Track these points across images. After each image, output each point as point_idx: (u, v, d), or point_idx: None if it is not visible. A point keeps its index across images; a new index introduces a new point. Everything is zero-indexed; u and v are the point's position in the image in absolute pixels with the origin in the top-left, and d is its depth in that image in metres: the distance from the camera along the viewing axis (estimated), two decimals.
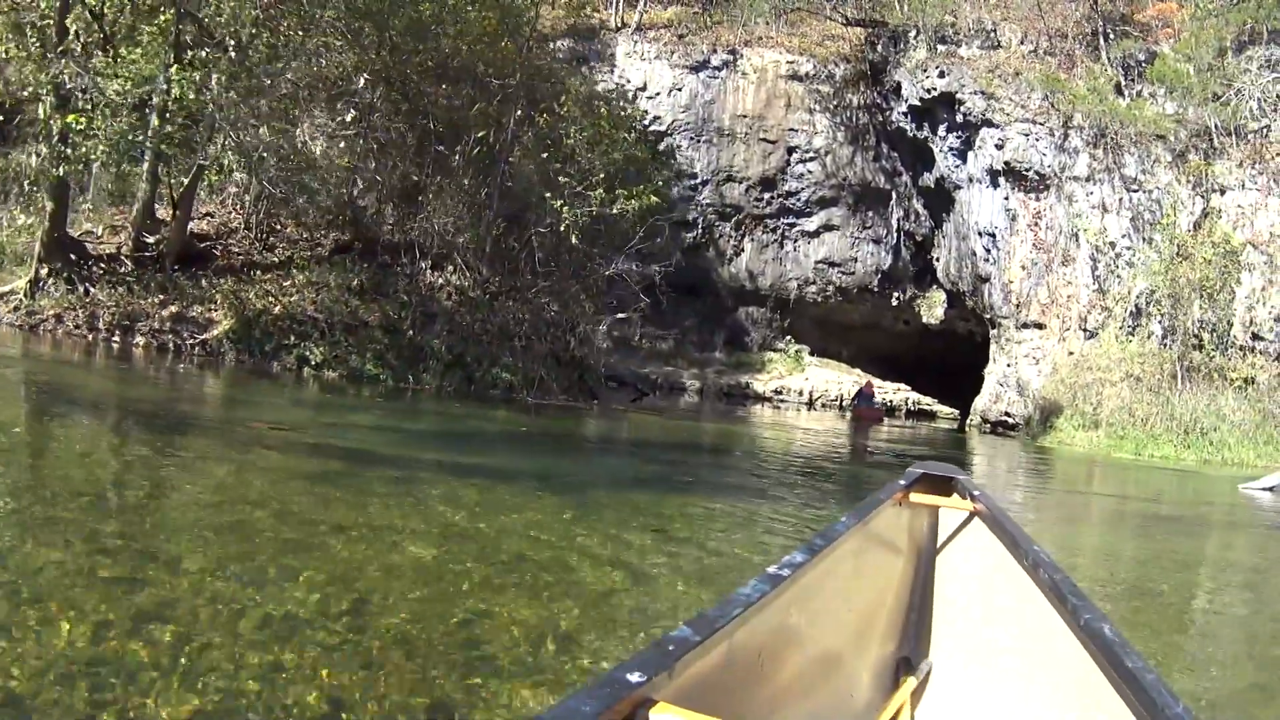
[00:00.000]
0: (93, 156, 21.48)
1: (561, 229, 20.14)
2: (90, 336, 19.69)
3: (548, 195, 20.13)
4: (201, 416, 12.16)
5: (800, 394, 37.87)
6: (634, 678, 1.70)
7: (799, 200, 38.23)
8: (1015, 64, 30.93)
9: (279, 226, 23.16)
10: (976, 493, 3.51)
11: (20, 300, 20.87)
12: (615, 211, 20.24)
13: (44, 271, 20.78)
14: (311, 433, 11.35)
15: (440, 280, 21.62)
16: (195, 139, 20.60)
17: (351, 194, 22.25)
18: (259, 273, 21.26)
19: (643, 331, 40.15)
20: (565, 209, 19.87)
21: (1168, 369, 26.84)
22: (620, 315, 22.42)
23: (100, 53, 20.09)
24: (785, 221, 38.68)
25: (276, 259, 22.03)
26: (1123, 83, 29.54)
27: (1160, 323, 27.97)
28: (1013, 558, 3.10)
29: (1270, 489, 17.22)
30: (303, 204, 22.33)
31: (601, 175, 20.66)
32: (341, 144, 21.98)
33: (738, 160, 37.95)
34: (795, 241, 38.90)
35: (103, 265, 21.17)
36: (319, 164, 22.06)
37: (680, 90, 37.81)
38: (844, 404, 36.48)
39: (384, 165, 21.96)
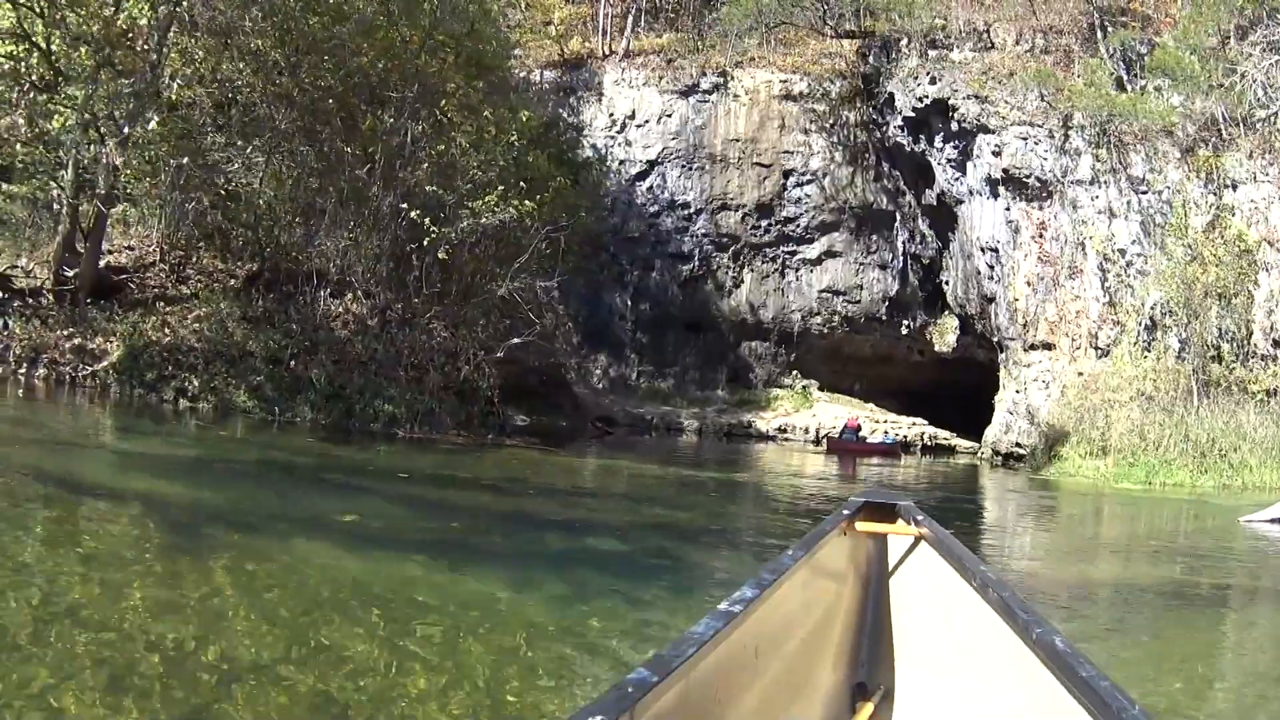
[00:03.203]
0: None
1: (424, 243, 18.30)
2: (1, 369, 19.11)
3: (414, 212, 18.24)
4: None
5: (806, 431, 35.38)
6: None
7: (798, 226, 36.06)
8: (1009, 64, 28.63)
9: (195, 259, 22.16)
10: (920, 518, 3.55)
11: None
12: (495, 222, 18.25)
13: None
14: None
15: (340, 308, 20.15)
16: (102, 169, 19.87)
17: (254, 219, 20.89)
18: (164, 304, 20.30)
19: (640, 370, 38.30)
20: (429, 222, 18.03)
21: (1183, 385, 23.96)
22: (515, 340, 20.23)
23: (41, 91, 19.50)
24: (785, 250, 36.50)
25: (189, 290, 21.01)
26: (1124, 77, 27.03)
27: (1177, 335, 25.13)
28: (961, 579, 3.12)
29: (1277, 520, 14.40)
30: (212, 223, 21.25)
31: (488, 182, 18.82)
32: (247, 167, 20.66)
33: (732, 187, 36.01)
34: (797, 270, 36.66)
35: (23, 299, 20.65)
36: (230, 188, 20.86)
37: (670, 116, 36.15)
38: (819, 438, 33.85)
39: (288, 189, 20.54)
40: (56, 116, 19.75)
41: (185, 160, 19.80)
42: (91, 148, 19.94)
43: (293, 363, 18.46)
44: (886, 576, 3.58)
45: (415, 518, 9.48)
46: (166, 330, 19.18)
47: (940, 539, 3.35)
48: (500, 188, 18.51)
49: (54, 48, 19.64)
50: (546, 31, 36.83)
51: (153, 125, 19.74)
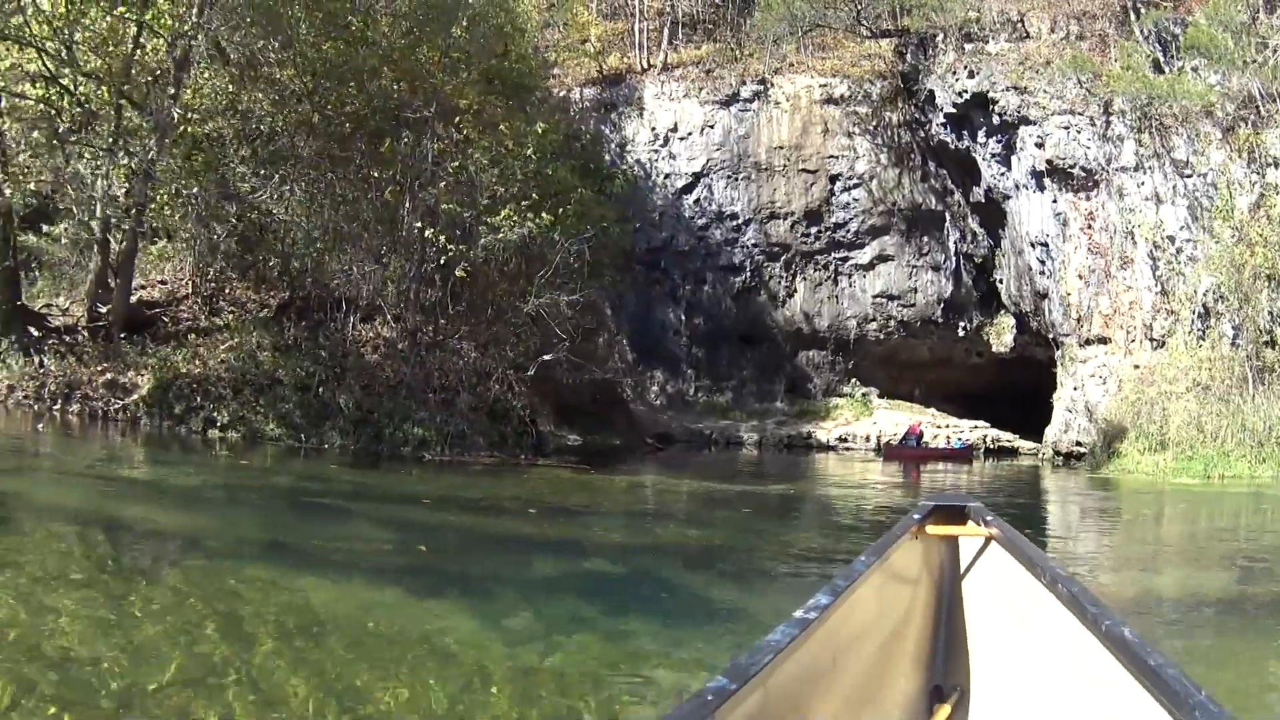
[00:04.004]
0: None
1: (442, 262, 18.36)
2: (36, 406, 19.75)
3: (428, 231, 18.30)
4: None
5: (867, 440, 34.72)
6: None
7: (848, 232, 35.50)
8: (1046, 53, 27.84)
9: (228, 290, 22.68)
10: (990, 518, 3.58)
11: None
12: (514, 237, 18.16)
13: (4, 345, 21.04)
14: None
15: (370, 332, 20.41)
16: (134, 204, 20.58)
17: (281, 247, 21.35)
18: (195, 337, 20.70)
19: (697, 385, 38.11)
20: (446, 240, 18.09)
21: (1237, 373, 22.89)
22: (545, 357, 20.05)
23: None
24: (836, 256, 35.95)
25: (221, 322, 21.40)
26: (1160, 58, 26.03)
27: (1231, 322, 24.02)
28: (1032, 578, 3.15)
29: None
30: (241, 254, 21.81)
31: (510, 198, 18.80)
32: (273, 197, 21.14)
33: (779, 195, 35.64)
34: (849, 276, 36.07)
35: (58, 336, 21.34)
36: (257, 218, 21.35)
37: (713, 128, 35.96)
38: (879, 446, 33.15)
39: (314, 217, 20.89)
40: (86, 156, 20.53)
41: (211, 192, 20.28)
42: (116, 184, 20.58)
43: (320, 389, 18.57)
44: (958, 579, 3.62)
45: (397, 542, 9.13)
46: (196, 362, 19.54)
47: (1011, 539, 3.40)
48: (514, 203, 18.42)
49: (81, 90, 20.45)
50: (584, 49, 37.02)
51: (176, 159, 20.34)
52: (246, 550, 7.98)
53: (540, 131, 19.16)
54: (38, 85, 19.87)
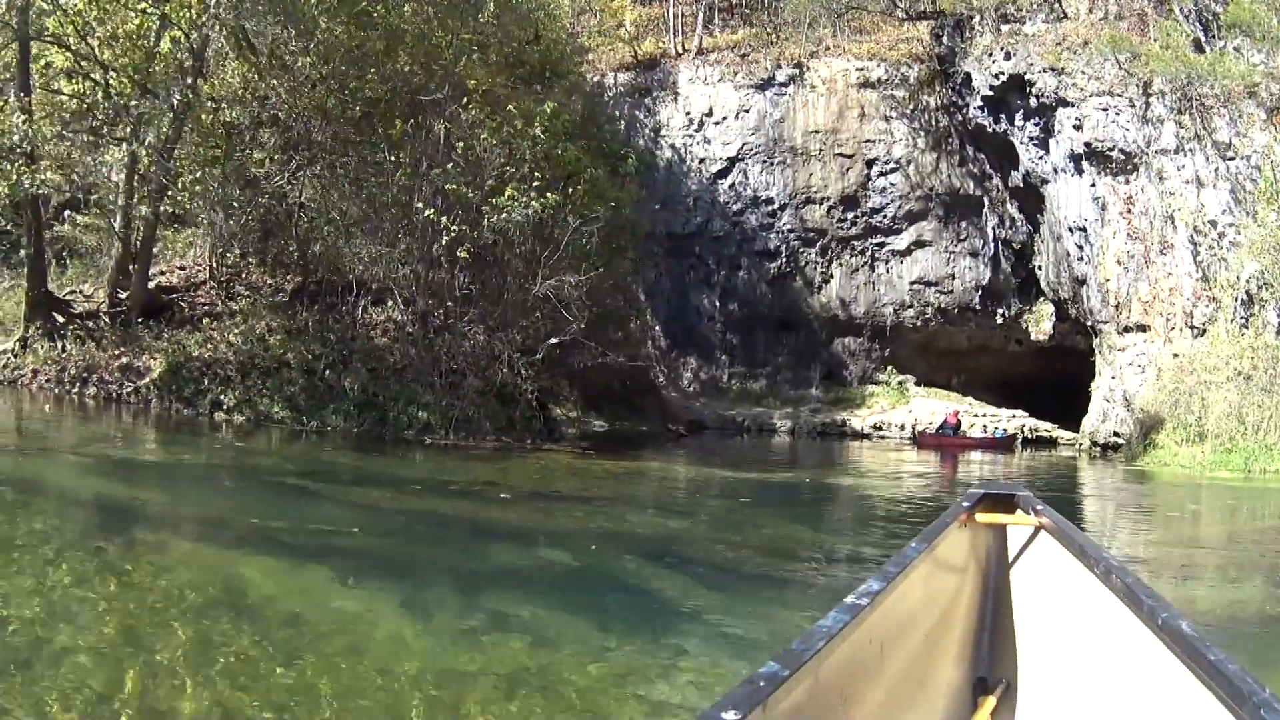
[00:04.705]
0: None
1: (444, 243, 18.24)
2: (58, 389, 20.12)
3: (429, 211, 18.15)
4: None
5: (902, 428, 34.18)
6: (729, 715, 1.73)
7: (885, 217, 34.91)
8: (1083, 33, 27.05)
9: (245, 275, 22.91)
10: (1040, 507, 3.54)
11: (10, 358, 21.56)
12: (518, 218, 17.97)
13: (31, 330, 21.51)
14: None
15: (382, 315, 20.46)
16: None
17: (296, 232, 21.47)
18: (209, 321, 20.90)
19: (731, 372, 37.82)
20: (448, 220, 17.97)
21: None
22: (553, 340, 19.87)
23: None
24: (873, 242, 35.37)
25: (237, 307, 21.60)
26: (1201, 38, 25.16)
27: (1276, 309, 23.23)
28: (1083, 567, 3.09)
29: None
30: (258, 240, 22.01)
31: (521, 178, 18.63)
32: (288, 182, 21.23)
33: (815, 180, 35.13)
34: (886, 262, 35.46)
35: (81, 322, 21.69)
36: (273, 203, 21.47)
37: (748, 112, 35.52)
38: (914, 435, 32.59)
39: (327, 201, 20.95)
40: (112, 148, 20.88)
41: (228, 178, 20.45)
42: (137, 171, 20.87)
43: (327, 372, 18.72)
44: (1007, 568, 3.57)
45: (352, 526, 8.92)
46: (208, 346, 19.74)
47: (1061, 528, 3.35)
48: (522, 183, 18.19)
49: (112, 84, 20.74)
50: (619, 34, 36.78)
51: (194, 146, 20.57)
52: (189, 528, 8.03)
53: (549, 111, 18.88)
54: (74, 80, 20.24)
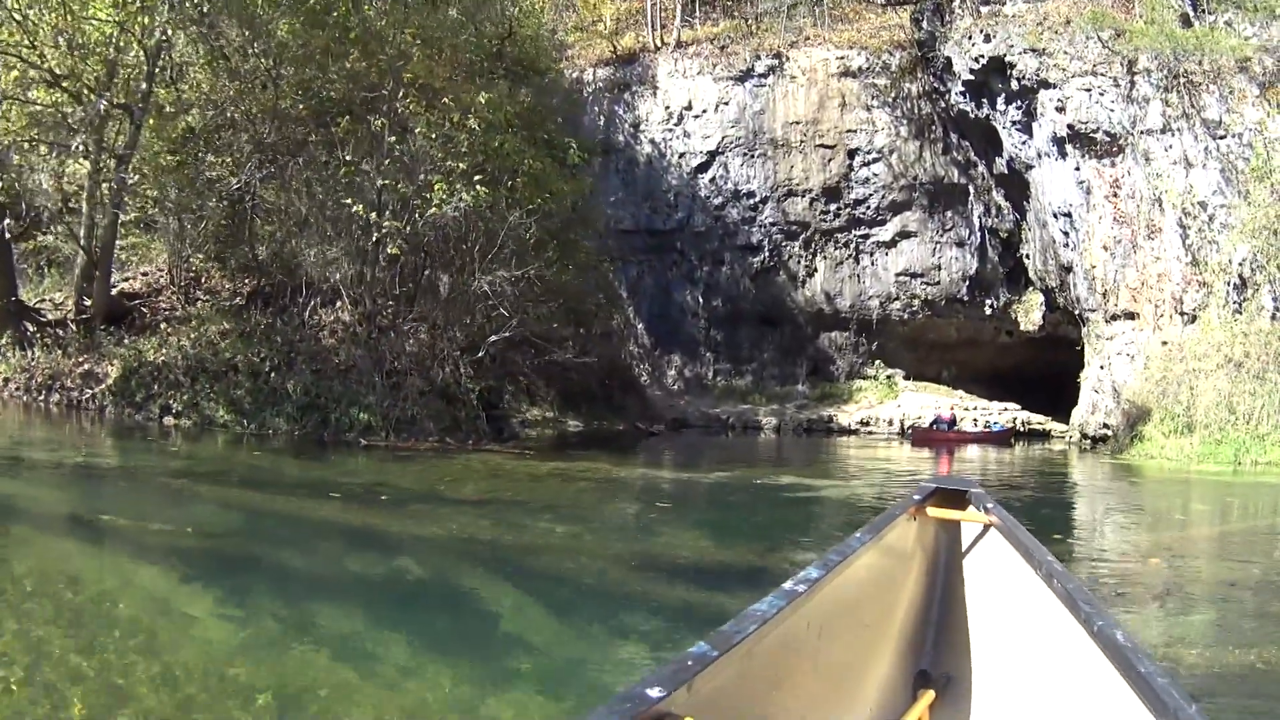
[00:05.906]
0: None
1: (374, 240, 17.52)
2: (25, 398, 19.85)
3: (357, 208, 17.38)
4: None
5: (890, 423, 33.40)
6: (654, 693, 1.72)
7: (868, 208, 34.09)
8: (1065, 11, 26.24)
9: (205, 280, 22.36)
10: (991, 505, 3.50)
11: None
12: (452, 212, 17.21)
13: (3, 339, 21.22)
14: None
15: (331, 317, 19.79)
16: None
17: (251, 235, 20.78)
18: (167, 326, 20.46)
19: (716, 369, 37.05)
20: (378, 217, 17.24)
21: (1274, 349, 21.27)
22: (493, 338, 19.11)
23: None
24: (857, 234, 34.55)
25: (197, 312, 21.04)
26: (1189, 12, 24.33)
27: (1270, 293, 22.38)
28: (1029, 568, 3.07)
29: None
30: (215, 244, 21.40)
31: (460, 173, 17.85)
32: (241, 185, 20.56)
33: (796, 172, 34.34)
34: (871, 254, 34.65)
35: (51, 330, 21.46)
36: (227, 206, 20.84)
37: (727, 104, 34.73)
38: (904, 430, 31.80)
39: (280, 202, 20.29)
40: (76, 156, 20.36)
41: (183, 183, 19.98)
42: (98, 180, 20.39)
43: (272, 375, 18.11)
44: (954, 563, 3.55)
45: (209, 528, 8.48)
46: (163, 351, 19.29)
47: (1010, 528, 3.33)
48: (459, 177, 17.49)
49: (70, 91, 20.09)
50: (597, 30, 36.03)
51: (150, 151, 20.06)
52: (46, 523, 7.78)
53: (484, 102, 18.09)
54: (52, 91, 19.62)
